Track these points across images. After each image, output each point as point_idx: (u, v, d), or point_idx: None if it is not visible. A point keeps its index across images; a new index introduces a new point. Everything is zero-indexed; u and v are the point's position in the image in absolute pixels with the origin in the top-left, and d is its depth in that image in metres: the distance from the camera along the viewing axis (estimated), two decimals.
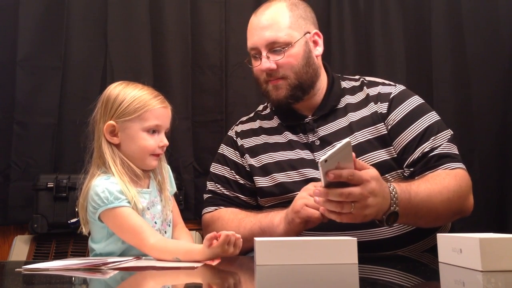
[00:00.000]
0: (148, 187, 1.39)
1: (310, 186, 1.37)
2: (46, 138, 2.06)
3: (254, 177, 1.60)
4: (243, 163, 1.63)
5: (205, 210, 1.64)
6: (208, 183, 1.68)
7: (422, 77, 2.20)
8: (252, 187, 1.61)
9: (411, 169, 1.49)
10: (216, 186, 1.65)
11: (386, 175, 1.48)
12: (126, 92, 1.36)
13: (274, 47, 1.53)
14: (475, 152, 2.09)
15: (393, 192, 1.29)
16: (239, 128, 1.71)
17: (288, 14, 1.56)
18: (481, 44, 2.21)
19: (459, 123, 2.09)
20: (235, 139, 1.69)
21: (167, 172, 1.46)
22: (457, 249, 1.02)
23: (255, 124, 1.70)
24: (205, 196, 1.67)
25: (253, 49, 1.58)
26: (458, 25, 2.22)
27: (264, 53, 1.54)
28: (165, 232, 1.38)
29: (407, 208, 1.31)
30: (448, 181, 1.41)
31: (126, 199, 1.29)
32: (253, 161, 1.61)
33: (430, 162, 1.47)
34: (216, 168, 1.68)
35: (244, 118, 1.76)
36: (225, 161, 1.67)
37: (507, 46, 2.20)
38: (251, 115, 1.76)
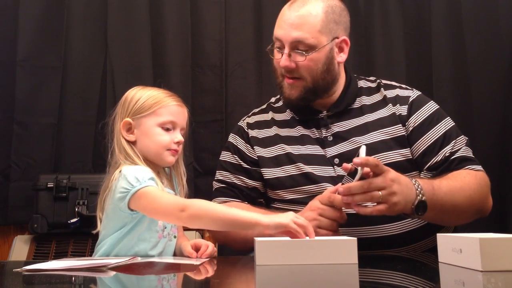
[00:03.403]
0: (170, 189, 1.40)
1: (317, 203, 1.37)
2: (46, 138, 2.07)
3: (262, 169, 1.59)
4: (252, 155, 1.63)
5: (215, 200, 1.62)
6: (217, 172, 1.67)
7: (422, 77, 2.20)
8: (261, 176, 1.61)
9: (433, 172, 1.50)
10: (226, 175, 1.64)
11: None
12: (142, 92, 1.41)
13: (298, 47, 1.51)
14: (475, 152, 2.08)
15: (416, 184, 1.33)
16: (252, 119, 1.71)
17: (321, 16, 1.52)
18: (481, 44, 2.21)
19: (459, 123, 2.07)
20: (246, 130, 1.68)
21: (185, 176, 1.46)
22: (457, 249, 1.02)
23: (268, 116, 1.69)
24: (215, 185, 1.66)
25: (278, 41, 1.56)
26: (458, 25, 2.22)
27: (286, 50, 1.51)
28: (174, 237, 1.38)
29: (433, 200, 1.34)
30: (468, 179, 1.45)
31: (157, 184, 1.29)
32: (263, 153, 1.61)
33: (452, 165, 1.50)
34: (225, 156, 1.67)
35: (256, 110, 1.75)
36: (234, 150, 1.66)
37: (507, 46, 2.20)
38: (264, 106, 1.75)
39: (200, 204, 1.22)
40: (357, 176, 1.27)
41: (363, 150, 1.29)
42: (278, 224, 1.13)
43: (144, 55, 2.14)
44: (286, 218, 1.14)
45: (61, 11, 2.12)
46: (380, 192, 1.26)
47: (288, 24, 1.52)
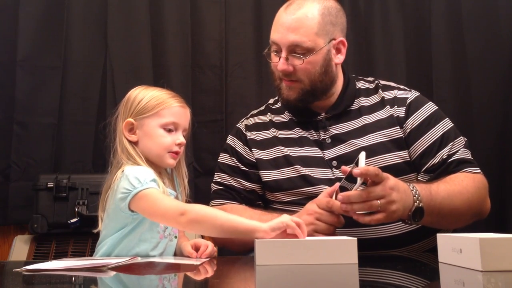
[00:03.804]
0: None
1: (314, 207, 1.36)
2: (46, 138, 2.07)
3: (261, 171, 1.59)
4: (250, 157, 1.62)
5: (213, 202, 1.63)
6: (215, 174, 1.67)
7: (422, 77, 2.20)
8: (259, 178, 1.60)
9: (430, 175, 1.50)
10: (224, 177, 1.63)
11: (397, 178, 1.48)
12: (145, 92, 1.40)
13: (296, 51, 1.51)
14: (475, 152, 2.08)
15: (413, 190, 1.33)
16: (250, 121, 1.70)
17: (318, 19, 1.52)
18: (481, 44, 2.21)
19: (459, 123, 2.08)
20: (244, 132, 1.67)
21: (187, 177, 1.47)
22: (457, 249, 1.02)
23: (266, 118, 1.69)
24: (213, 187, 1.66)
25: (274, 44, 1.55)
26: (458, 25, 2.22)
27: (284, 54, 1.51)
28: (175, 237, 1.38)
29: (430, 205, 1.34)
30: (466, 182, 1.45)
31: (158, 186, 1.29)
32: (261, 155, 1.60)
33: (449, 167, 1.49)
34: (223, 158, 1.67)
35: (254, 111, 1.75)
36: (232, 152, 1.65)
37: (507, 46, 2.20)
38: (262, 108, 1.75)
39: (200, 209, 1.22)
40: (357, 185, 1.27)
41: (362, 157, 1.29)
42: (276, 226, 1.13)
43: (144, 55, 2.14)
44: (283, 218, 1.15)
45: (61, 11, 2.12)
46: (379, 201, 1.26)
47: (285, 27, 1.51)
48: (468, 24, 2.21)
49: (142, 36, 2.15)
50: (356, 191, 1.27)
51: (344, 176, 1.33)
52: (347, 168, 1.30)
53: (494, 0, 2.23)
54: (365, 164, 1.29)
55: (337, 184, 1.35)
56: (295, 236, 1.13)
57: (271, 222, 1.14)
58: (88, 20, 2.15)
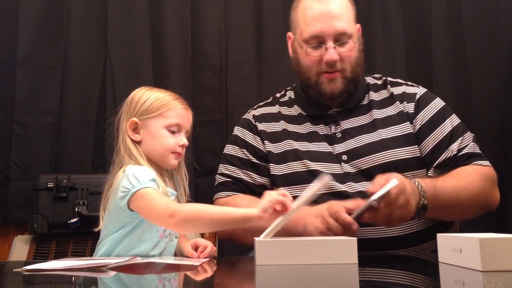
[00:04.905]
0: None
1: (325, 214, 1.33)
2: (46, 138, 2.07)
3: (270, 164, 1.58)
4: (262, 148, 1.61)
5: (219, 194, 1.60)
6: (221, 166, 1.64)
7: (422, 77, 2.20)
8: (269, 172, 1.59)
9: (441, 170, 1.50)
10: (232, 169, 1.61)
11: (406, 173, 1.46)
12: (150, 93, 1.41)
13: (341, 39, 1.52)
14: None
15: (419, 187, 1.34)
16: (258, 111, 1.69)
17: (350, 5, 1.57)
18: (481, 44, 2.21)
19: None
20: (253, 122, 1.66)
21: (187, 179, 1.47)
22: (457, 249, 1.02)
23: (274, 109, 1.68)
24: (218, 178, 1.63)
25: (316, 37, 1.53)
26: (458, 25, 2.22)
27: (331, 43, 1.51)
28: (176, 237, 1.38)
29: (434, 201, 1.36)
30: (473, 177, 1.46)
31: (158, 186, 1.30)
32: (272, 147, 1.60)
33: (459, 161, 1.50)
34: (231, 150, 1.64)
35: (261, 103, 1.74)
36: (242, 144, 1.63)
37: (507, 46, 2.20)
38: (269, 100, 1.74)
39: (189, 208, 1.23)
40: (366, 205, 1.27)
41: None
42: (266, 206, 1.14)
43: (144, 55, 2.14)
44: (268, 196, 1.16)
45: (61, 11, 2.12)
46: (398, 210, 1.28)
47: (328, 17, 1.51)
48: (468, 24, 2.21)
49: (142, 36, 2.15)
50: (379, 210, 1.28)
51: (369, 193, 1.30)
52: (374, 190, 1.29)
53: (494, 0, 2.23)
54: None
55: (359, 201, 1.32)
56: (285, 210, 1.14)
57: (259, 204, 1.15)
58: (88, 20, 2.15)
